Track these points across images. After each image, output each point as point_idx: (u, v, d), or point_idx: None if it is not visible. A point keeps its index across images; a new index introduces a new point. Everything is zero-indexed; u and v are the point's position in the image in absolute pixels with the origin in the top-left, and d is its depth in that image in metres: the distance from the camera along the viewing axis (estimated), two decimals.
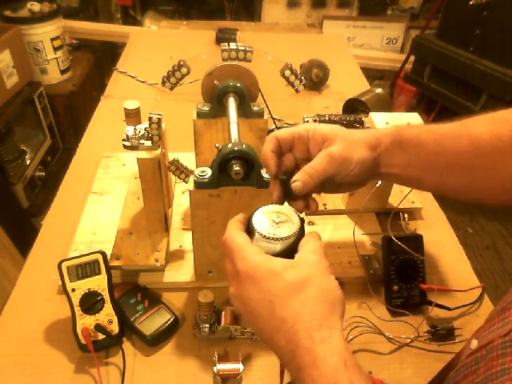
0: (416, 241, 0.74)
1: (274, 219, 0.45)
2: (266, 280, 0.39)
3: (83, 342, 0.63)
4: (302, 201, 0.52)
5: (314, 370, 0.34)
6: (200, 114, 0.77)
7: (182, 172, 0.73)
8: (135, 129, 0.72)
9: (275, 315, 0.37)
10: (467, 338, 0.69)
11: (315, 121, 0.76)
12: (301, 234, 0.44)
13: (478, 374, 0.37)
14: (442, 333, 0.69)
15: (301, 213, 0.50)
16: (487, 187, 0.51)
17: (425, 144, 0.52)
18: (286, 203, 0.51)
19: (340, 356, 0.35)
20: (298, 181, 0.50)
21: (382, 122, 0.75)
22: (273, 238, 0.43)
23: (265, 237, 0.43)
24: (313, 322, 0.36)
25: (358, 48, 2.90)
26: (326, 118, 0.80)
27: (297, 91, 0.76)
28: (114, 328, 0.65)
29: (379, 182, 0.76)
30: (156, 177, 0.73)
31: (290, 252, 0.42)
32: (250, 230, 0.45)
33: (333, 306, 0.38)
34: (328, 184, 0.52)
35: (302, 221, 0.45)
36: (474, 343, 0.42)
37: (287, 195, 0.52)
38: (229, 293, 0.42)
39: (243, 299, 0.40)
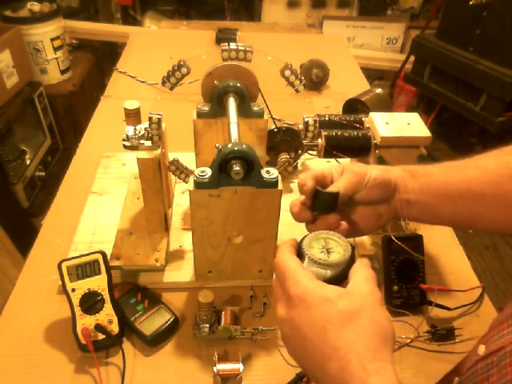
0: (416, 241, 0.74)
1: (324, 245, 0.45)
2: (319, 306, 0.39)
3: (83, 342, 0.63)
4: (334, 218, 0.54)
5: None
6: (200, 114, 0.77)
7: (182, 172, 0.73)
8: (135, 129, 0.72)
9: (328, 342, 0.37)
10: (467, 338, 0.69)
11: (315, 121, 0.76)
12: (351, 260, 0.44)
13: (491, 382, 0.37)
14: (441, 333, 0.69)
15: (331, 229, 0.51)
16: (503, 215, 0.52)
17: (432, 174, 0.55)
18: (329, 231, 0.50)
19: None
20: (333, 187, 0.53)
21: (382, 121, 0.75)
22: (324, 264, 0.43)
23: (316, 262, 0.43)
24: (367, 352, 0.36)
25: (358, 48, 2.90)
26: (326, 118, 0.80)
27: (297, 91, 0.76)
28: (114, 328, 0.65)
29: None
30: (156, 177, 0.73)
31: (340, 279, 0.42)
32: (300, 255, 0.45)
33: (385, 339, 0.38)
34: (352, 207, 0.56)
35: (353, 248, 0.45)
36: (482, 349, 0.41)
37: (321, 208, 0.53)
38: (277, 316, 0.42)
39: (294, 324, 0.39)
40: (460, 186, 0.54)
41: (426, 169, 0.56)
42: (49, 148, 2.16)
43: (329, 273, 0.42)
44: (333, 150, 0.75)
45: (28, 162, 1.97)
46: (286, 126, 0.96)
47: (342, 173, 0.55)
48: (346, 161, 0.89)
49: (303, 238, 0.46)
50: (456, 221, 0.57)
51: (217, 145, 0.60)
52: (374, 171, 0.54)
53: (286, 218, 0.88)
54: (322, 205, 0.52)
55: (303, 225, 0.87)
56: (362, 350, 0.36)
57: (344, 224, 0.54)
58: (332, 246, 0.45)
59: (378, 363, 0.36)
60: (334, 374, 0.36)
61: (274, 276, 0.44)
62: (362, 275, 0.42)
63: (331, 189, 0.52)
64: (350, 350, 0.36)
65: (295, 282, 0.40)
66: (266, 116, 0.78)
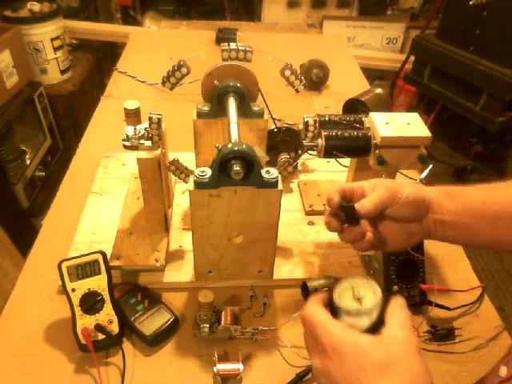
0: None
1: (355, 293, 0.45)
2: (353, 356, 0.38)
3: (83, 342, 0.63)
4: (359, 229, 0.56)
5: None
6: (200, 114, 0.77)
7: (182, 172, 0.73)
8: (135, 129, 0.72)
9: None
10: (467, 338, 0.70)
11: (315, 121, 0.76)
12: (384, 302, 0.43)
13: None
14: (442, 333, 0.69)
15: (356, 240, 0.56)
16: None
17: (469, 193, 0.55)
18: (359, 276, 0.49)
19: None
20: (363, 202, 0.54)
21: (382, 121, 0.75)
22: (358, 313, 0.42)
23: (350, 313, 0.43)
24: None
25: (358, 48, 2.90)
26: (326, 118, 0.80)
27: (297, 91, 0.76)
28: (114, 328, 0.65)
29: None
30: (156, 177, 0.73)
31: (377, 324, 0.42)
32: (333, 309, 0.44)
33: None
34: (383, 222, 0.56)
35: (383, 291, 0.45)
36: (503, 370, 0.41)
37: (348, 221, 0.55)
38: (312, 367, 0.42)
39: (330, 375, 0.40)
40: (499, 206, 0.52)
41: (462, 189, 0.55)
42: (49, 148, 2.15)
43: (366, 322, 0.42)
44: (333, 150, 0.75)
45: (28, 162, 1.97)
46: (285, 125, 0.96)
47: (375, 188, 0.55)
48: (346, 161, 0.89)
49: (333, 292, 0.46)
50: (496, 243, 0.55)
51: (217, 145, 0.60)
52: (407, 188, 0.54)
53: (285, 218, 0.88)
54: (347, 217, 0.56)
55: (303, 226, 0.88)
56: None
57: (369, 235, 0.55)
58: (361, 293, 0.44)
59: None
60: None
61: (304, 329, 0.45)
62: (397, 320, 0.41)
63: (362, 202, 0.54)
64: None
65: (328, 333, 0.41)
66: (266, 116, 0.78)
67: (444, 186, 0.57)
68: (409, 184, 0.56)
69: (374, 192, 0.54)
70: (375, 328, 0.41)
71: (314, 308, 0.44)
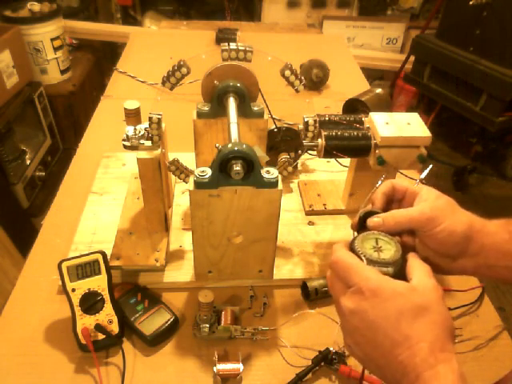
0: None
1: (374, 245, 0.47)
2: (393, 299, 0.41)
3: (83, 342, 0.63)
4: None
5: (434, 382, 0.38)
6: (200, 114, 0.77)
7: (182, 172, 0.73)
8: (135, 129, 0.72)
9: (401, 331, 0.40)
10: (467, 338, 0.69)
11: (315, 121, 0.76)
12: (404, 255, 0.46)
13: None
14: None
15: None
16: None
17: None
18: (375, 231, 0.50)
19: (460, 376, 0.38)
20: (378, 217, 0.49)
21: (382, 121, 0.75)
22: (384, 263, 0.44)
23: (375, 261, 0.44)
24: (437, 343, 0.39)
25: (358, 48, 2.90)
26: (326, 118, 0.80)
27: (297, 91, 0.76)
28: (114, 328, 0.65)
29: (379, 182, 0.76)
30: (156, 177, 0.73)
31: (399, 275, 0.44)
32: (355, 254, 0.46)
33: (450, 332, 0.41)
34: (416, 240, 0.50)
35: (400, 244, 0.47)
36: None
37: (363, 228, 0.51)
38: (342, 308, 0.43)
39: (366, 315, 0.42)
40: None
41: None
42: (49, 148, 2.15)
43: (390, 270, 0.44)
44: (333, 150, 0.75)
45: (28, 162, 1.97)
46: (285, 125, 0.96)
47: (426, 200, 0.49)
48: (346, 161, 0.89)
49: (354, 240, 0.47)
50: None
51: (217, 145, 0.60)
52: (448, 222, 0.47)
53: (285, 218, 0.88)
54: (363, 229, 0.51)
55: (303, 226, 0.88)
56: (432, 340, 0.39)
57: None
58: (381, 244, 0.47)
59: (445, 353, 0.39)
60: (404, 360, 0.39)
61: (329, 272, 0.46)
62: (423, 270, 0.44)
63: (387, 216, 0.49)
64: (422, 339, 0.39)
65: (365, 276, 0.42)
66: (266, 116, 0.78)
67: (508, 219, 0.49)
68: (458, 216, 0.48)
69: (411, 208, 0.49)
70: (399, 278, 0.43)
71: (345, 253, 0.46)
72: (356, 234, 0.50)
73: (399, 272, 0.44)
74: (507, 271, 0.49)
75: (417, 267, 0.44)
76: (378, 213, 0.50)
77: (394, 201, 0.53)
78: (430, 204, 0.48)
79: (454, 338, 0.41)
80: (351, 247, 0.47)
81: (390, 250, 0.46)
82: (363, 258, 0.45)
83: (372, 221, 0.49)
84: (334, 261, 0.45)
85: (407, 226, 0.49)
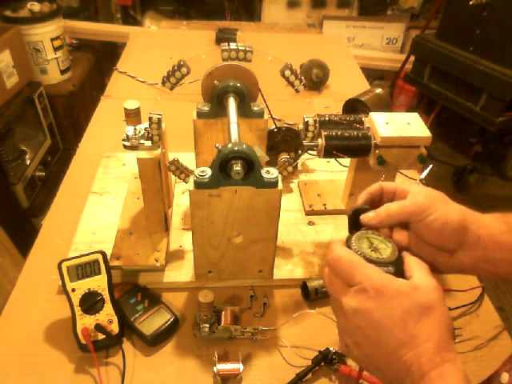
0: None
1: (369, 245, 0.46)
2: (397, 298, 0.40)
3: (83, 342, 0.63)
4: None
5: (440, 381, 0.38)
6: (200, 114, 0.77)
7: (182, 172, 0.73)
8: (135, 129, 0.72)
9: (407, 331, 0.39)
10: (467, 338, 0.69)
11: (315, 121, 0.76)
12: (400, 254, 0.45)
13: None
14: None
15: None
16: None
17: None
18: (368, 230, 0.49)
19: (464, 376, 0.39)
20: (372, 212, 0.49)
21: (382, 121, 0.75)
22: (384, 262, 0.43)
23: (373, 261, 0.43)
24: (443, 342, 0.39)
25: (358, 48, 2.90)
26: (326, 118, 0.80)
27: (297, 91, 0.76)
28: (114, 328, 0.65)
29: (379, 182, 0.76)
30: (156, 177, 0.73)
31: (401, 274, 0.43)
32: None
33: (452, 333, 0.41)
34: (416, 239, 0.48)
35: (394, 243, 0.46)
36: (505, 377, 0.42)
37: (356, 227, 0.50)
38: (344, 308, 0.42)
39: (369, 314, 0.41)
40: None
41: None
42: (49, 148, 2.15)
43: (391, 270, 0.43)
44: (333, 150, 0.75)
45: (28, 162, 1.97)
46: (285, 125, 0.96)
47: (418, 195, 0.48)
48: (346, 161, 0.89)
49: (349, 239, 0.46)
50: None
51: (217, 145, 0.60)
52: (441, 211, 0.46)
53: (285, 218, 0.88)
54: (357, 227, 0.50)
55: (303, 226, 0.87)
56: (438, 340, 0.39)
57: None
58: (376, 244, 0.46)
59: (451, 353, 0.39)
60: (408, 360, 0.39)
61: (327, 270, 0.45)
62: (423, 269, 0.43)
63: (380, 209, 0.49)
64: (427, 339, 0.39)
65: (369, 275, 0.41)
66: (266, 116, 0.78)
67: (503, 213, 0.48)
68: (452, 207, 0.47)
69: (400, 201, 0.48)
70: (399, 277, 0.43)
71: (347, 250, 0.44)
72: (348, 234, 0.49)
73: (399, 271, 0.44)
74: (505, 264, 0.47)
75: (416, 265, 0.44)
76: (367, 209, 0.49)
77: (383, 203, 0.50)
78: (423, 194, 0.48)
79: (454, 338, 0.41)
80: (348, 247, 0.46)
81: (386, 250, 0.45)
82: (362, 257, 0.44)
83: (366, 216, 0.48)
84: (334, 258, 0.44)
85: (400, 216, 0.47)
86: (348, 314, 0.42)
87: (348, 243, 0.46)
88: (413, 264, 0.44)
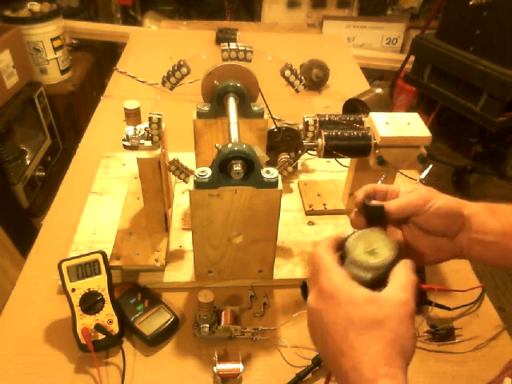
0: None
1: (369, 245, 0.45)
2: (345, 307, 0.40)
3: (83, 341, 0.63)
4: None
5: None
6: (200, 114, 0.77)
7: (181, 172, 0.73)
8: (135, 129, 0.72)
9: (346, 341, 0.39)
10: (467, 338, 0.69)
11: (315, 121, 0.76)
12: (395, 262, 0.44)
13: None
14: (442, 333, 0.69)
15: None
16: None
17: None
18: (378, 229, 0.49)
19: None
20: (393, 201, 0.50)
21: (382, 121, 0.75)
22: (365, 267, 0.43)
23: (357, 264, 0.43)
24: (380, 357, 0.38)
25: (358, 48, 2.90)
26: (326, 118, 0.80)
27: (297, 91, 0.76)
28: (114, 328, 0.65)
29: (379, 182, 0.76)
30: (156, 177, 0.73)
31: (380, 281, 0.42)
32: (344, 252, 0.45)
33: (402, 351, 0.39)
34: (411, 230, 0.51)
35: (399, 249, 0.45)
36: (508, 382, 0.41)
37: (370, 221, 0.50)
38: (308, 302, 0.44)
39: (320, 316, 0.42)
40: None
41: (510, 208, 0.51)
42: (49, 148, 2.15)
43: (369, 276, 0.43)
44: (333, 150, 0.75)
45: (28, 162, 1.97)
46: (285, 125, 0.96)
47: (411, 192, 0.51)
48: (346, 161, 0.89)
49: (350, 236, 0.46)
50: None
51: (217, 145, 0.60)
52: (441, 199, 0.49)
53: (285, 218, 0.88)
54: (369, 217, 0.50)
55: (302, 226, 0.87)
56: (375, 354, 0.38)
57: (397, 234, 0.52)
58: (377, 246, 0.45)
59: (389, 368, 0.37)
60: (348, 370, 0.38)
61: (309, 266, 0.46)
62: (400, 282, 0.42)
63: (377, 203, 0.50)
64: (364, 353, 0.38)
65: (328, 277, 0.42)
66: (266, 116, 0.78)
67: (486, 202, 0.52)
68: (446, 196, 0.51)
69: (404, 195, 0.50)
70: (377, 284, 0.42)
71: (323, 249, 0.45)
72: (353, 230, 0.48)
73: (384, 279, 0.42)
74: (495, 248, 0.50)
75: (397, 277, 0.42)
76: (373, 204, 0.49)
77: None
78: (423, 188, 0.51)
79: (407, 358, 0.39)
80: (344, 244, 0.46)
81: (383, 254, 0.44)
82: (346, 257, 0.44)
83: (389, 203, 0.49)
84: (312, 254, 0.45)
85: (409, 210, 0.49)
86: (308, 309, 0.43)
87: (345, 239, 0.46)
88: (396, 274, 0.43)
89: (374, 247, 0.45)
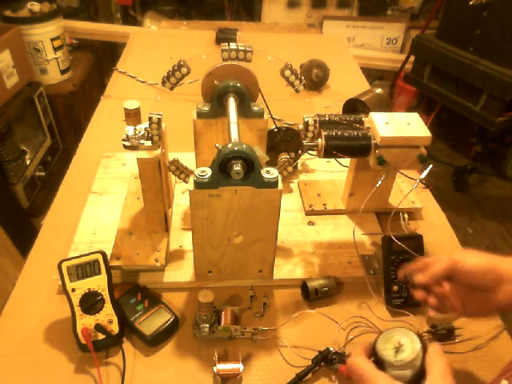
0: (416, 241, 0.74)
1: (395, 343, 0.48)
2: None
3: (83, 341, 0.63)
4: (423, 293, 0.59)
5: None
6: (200, 114, 0.77)
7: (182, 172, 0.73)
8: (135, 129, 0.72)
9: None
10: (467, 338, 0.69)
11: (315, 121, 0.76)
12: (423, 347, 0.48)
13: None
14: (441, 333, 0.69)
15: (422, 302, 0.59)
16: None
17: None
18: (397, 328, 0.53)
19: None
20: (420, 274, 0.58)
21: (382, 121, 0.75)
22: (402, 365, 0.46)
23: (394, 364, 0.47)
24: None
25: (358, 48, 2.90)
26: (326, 118, 0.80)
27: (297, 91, 0.76)
28: (114, 328, 0.65)
29: (379, 182, 0.76)
30: (156, 177, 0.73)
31: (420, 374, 0.46)
32: (378, 361, 0.48)
33: None
34: (457, 288, 0.56)
35: (420, 336, 0.49)
36: None
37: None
38: None
39: None
40: None
41: None
42: (49, 148, 2.15)
43: (409, 372, 0.46)
44: (333, 150, 0.75)
45: (28, 162, 1.97)
46: (286, 125, 0.96)
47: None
48: (346, 161, 0.89)
49: (376, 341, 0.50)
50: None
51: (217, 145, 0.60)
52: (469, 260, 0.54)
53: (285, 218, 0.88)
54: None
55: (302, 226, 0.88)
56: None
57: (432, 300, 0.58)
58: (403, 342, 0.48)
59: None
60: None
61: (352, 376, 0.49)
62: (438, 370, 0.45)
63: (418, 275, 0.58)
64: None
65: (374, 383, 0.45)
66: (266, 116, 0.78)
67: None
68: (477, 254, 0.56)
69: (436, 263, 0.56)
70: (418, 377, 0.45)
71: (359, 359, 0.49)
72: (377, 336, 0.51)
73: (422, 370, 0.46)
74: None
75: (433, 364, 0.45)
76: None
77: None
78: (450, 255, 0.56)
79: None
80: (374, 350, 0.49)
81: (409, 347, 0.47)
82: (385, 363, 0.47)
83: (418, 277, 0.58)
84: (348, 364, 0.49)
85: (436, 277, 0.56)
86: None
87: (374, 344, 0.49)
88: (432, 362, 0.46)
89: (401, 344, 0.48)
